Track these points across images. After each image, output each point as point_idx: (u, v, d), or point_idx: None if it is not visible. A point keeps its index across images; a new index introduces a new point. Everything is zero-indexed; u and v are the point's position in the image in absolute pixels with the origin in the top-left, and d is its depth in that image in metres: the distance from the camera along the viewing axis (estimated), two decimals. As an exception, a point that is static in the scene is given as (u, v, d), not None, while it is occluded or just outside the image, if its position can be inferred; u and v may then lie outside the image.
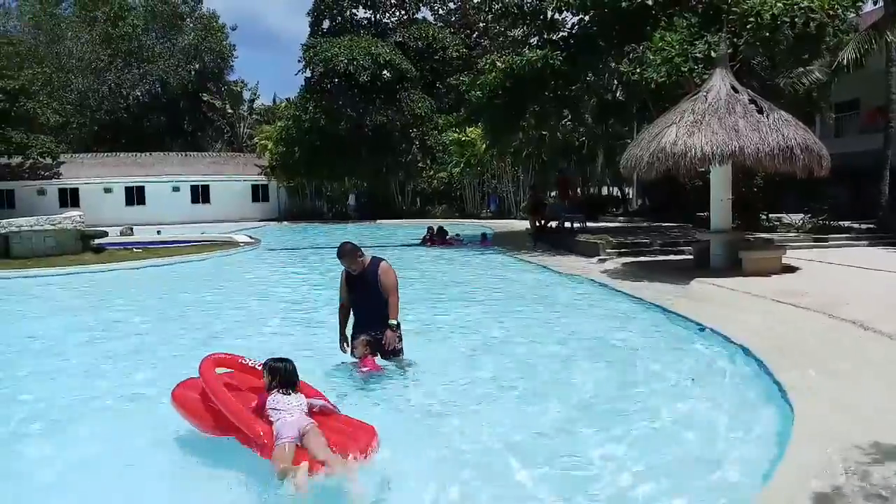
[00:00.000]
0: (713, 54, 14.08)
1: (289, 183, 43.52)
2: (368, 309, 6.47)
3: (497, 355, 7.39)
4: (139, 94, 55.34)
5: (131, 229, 28.67)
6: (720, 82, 12.35)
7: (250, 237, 25.28)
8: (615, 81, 25.06)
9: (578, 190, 32.12)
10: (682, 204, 22.80)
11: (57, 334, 9.07)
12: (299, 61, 39.45)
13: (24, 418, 5.62)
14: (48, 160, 41.18)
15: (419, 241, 22.54)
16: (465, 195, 40.48)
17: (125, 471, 4.51)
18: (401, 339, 6.55)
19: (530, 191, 32.24)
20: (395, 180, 42.09)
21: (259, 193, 45.50)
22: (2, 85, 37.67)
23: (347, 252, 6.40)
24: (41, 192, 41.40)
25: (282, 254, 22.46)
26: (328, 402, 4.78)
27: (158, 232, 29.14)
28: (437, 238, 22.14)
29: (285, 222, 40.81)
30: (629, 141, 22.07)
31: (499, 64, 20.91)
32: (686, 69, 14.84)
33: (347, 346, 6.53)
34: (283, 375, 4.60)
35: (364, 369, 6.27)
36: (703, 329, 8.01)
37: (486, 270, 15.71)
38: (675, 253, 15.86)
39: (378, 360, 6.42)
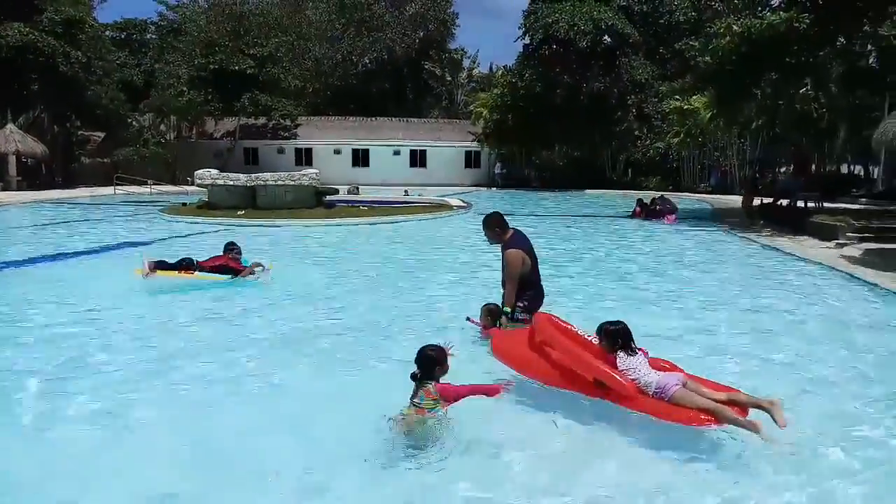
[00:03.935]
0: None
1: (500, 150, 44.06)
2: (501, 282, 6.44)
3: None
4: (367, 61, 58.64)
5: (357, 188, 30.82)
6: None
7: (463, 201, 26.11)
8: (869, 46, 22.43)
9: (812, 166, 29.25)
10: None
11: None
12: (519, 28, 39.63)
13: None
14: (288, 122, 45.27)
15: (629, 214, 21.85)
16: (683, 167, 38.51)
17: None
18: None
19: (748, 166, 30.02)
20: (608, 149, 41.03)
21: (472, 159, 46.68)
22: (253, 52, 41.77)
23: (484, 223, 6.47)
24: (280, 150, 45.64)
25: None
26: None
27: (406, 192, 30.64)
28: (648, 211, 21.23)
29: (494, 188, 41.48)
30: (878, 114, 19.73)
31: (735, 28, 19.54)
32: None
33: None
34: (624, 337, 4.74)
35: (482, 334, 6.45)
36: None
37: (706, 250, 14.83)
38: (933, 242, 13.99)
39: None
